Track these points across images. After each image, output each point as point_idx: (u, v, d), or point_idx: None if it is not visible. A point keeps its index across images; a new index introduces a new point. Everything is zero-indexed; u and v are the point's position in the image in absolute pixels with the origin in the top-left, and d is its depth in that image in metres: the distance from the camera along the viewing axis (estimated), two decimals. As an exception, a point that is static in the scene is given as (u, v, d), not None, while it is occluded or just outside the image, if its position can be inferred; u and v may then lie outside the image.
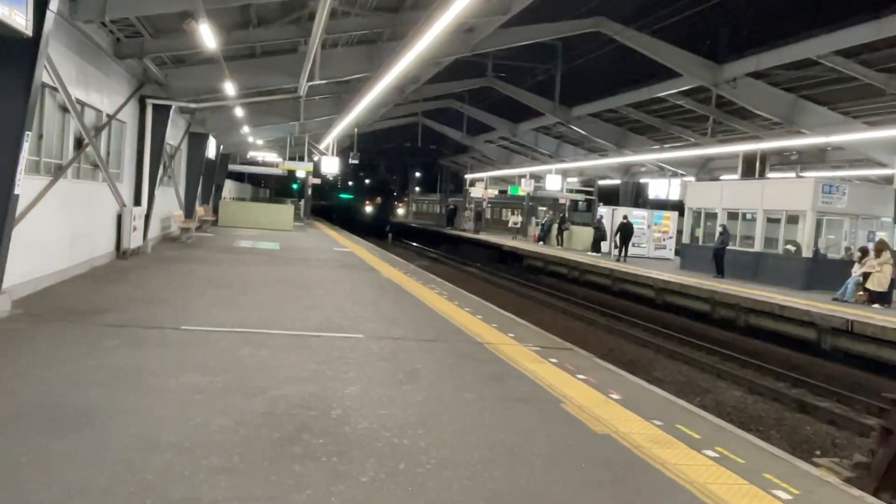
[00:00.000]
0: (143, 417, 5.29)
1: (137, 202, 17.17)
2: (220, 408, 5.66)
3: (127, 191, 16.66)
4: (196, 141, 26.63)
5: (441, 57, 19.57)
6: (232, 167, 43.85)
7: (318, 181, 46.98)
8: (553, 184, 41.92)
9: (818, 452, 9.49)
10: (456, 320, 11.19)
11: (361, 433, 5.34)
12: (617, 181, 40.56)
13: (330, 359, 7.74)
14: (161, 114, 17.63)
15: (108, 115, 14.50)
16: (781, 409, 11.63)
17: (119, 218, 15.83)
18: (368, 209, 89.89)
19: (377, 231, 55.61)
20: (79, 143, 12.91)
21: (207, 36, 11.37)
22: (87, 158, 13.75)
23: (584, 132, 33.68)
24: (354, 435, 5.29)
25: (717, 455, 5.57)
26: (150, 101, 17.19)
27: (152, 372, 6.56)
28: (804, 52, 17.20)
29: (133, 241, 16.25)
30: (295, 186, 74.99)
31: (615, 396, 7.17)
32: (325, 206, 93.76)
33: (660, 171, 36.00)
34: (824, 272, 19.83)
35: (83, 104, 12.93)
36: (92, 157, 13.90)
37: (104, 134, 14.60)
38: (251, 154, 42.65)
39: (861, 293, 17.24)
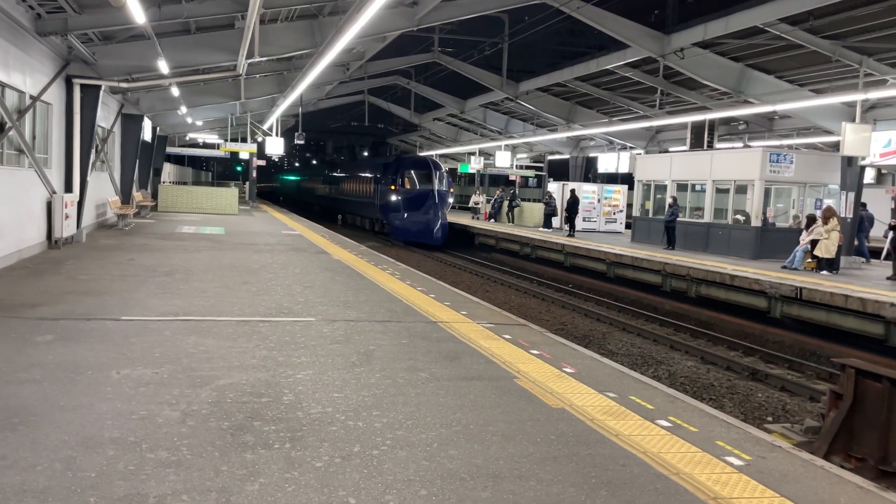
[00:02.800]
0: (82, 414, 5.14)
1: (69, 189, 16.66)
2: (166, 399, 5.55)
3: (56, 177, 16.14)
4: (130, 123, 25.93)
5: (385, 32, 19.36)
6: (171, 150, 42.97)
7: (262, 163, 46.25)
8: (503, 160, 42.11)
9: (770, 419, 9.77)
10: (409, 300, 11.18)
11: (315, 418, 5.30)
12: (567, 156, 40.82)
13: (280, 344, 7.66)
14: (90, 94, 17.07)
15: (31, 97, 13.99)
16: (734, 377, 11.92)
17: (49, 206, 15.34)
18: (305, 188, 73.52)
19: (328, 213, 52.78)
20: (0, 128, 12.43)
21: (136, 10, 10.99)
22: (11, 143, 13.27)
23: (532, 107, 33.74)
24: (308, 420, 5.25)
25: (671, 425, 5.69)
26: (77, 81, 16.63)
27: (92, 366, 6.40)
28: (750, 20, 17.42)
29: (66, 229, 15.78)
30: (239, 168, 73.71)
31: (569, 370, 7.26)
32: (273, 188, 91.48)
33: (609, 144, 36.31)
34: (773, 241, 20.34)
35: (3, 85, 12.47)
36: (16, 141, 13.41)
37: (28, 117, 14.09)
38: (191, 136, 41.79)
39: (809, 260, 17.73)
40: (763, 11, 16.89)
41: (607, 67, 24.63)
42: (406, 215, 32.38)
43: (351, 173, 45.49)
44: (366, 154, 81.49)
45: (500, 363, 7.40)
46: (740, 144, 28.56)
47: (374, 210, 36.86)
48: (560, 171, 43.71)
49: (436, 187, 32.14)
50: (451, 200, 35.46)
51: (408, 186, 32.69)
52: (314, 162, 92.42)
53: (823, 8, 15.92)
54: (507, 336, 8.85)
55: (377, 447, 4.78)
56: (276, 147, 36.58)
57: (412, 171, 32.96)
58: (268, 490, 4.00)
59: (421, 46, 31.64)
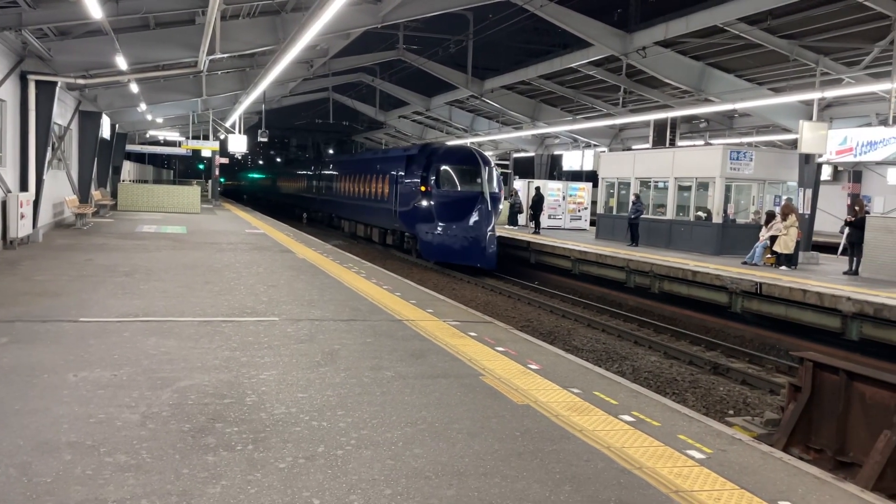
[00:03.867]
0: (38, 418, 5.02)
1: (24, 187, 16.30)
2: (126, 402, 5.45)
3: (11, 175, 15.78)
4: (88, 120, 25.44)
5: (349, 28, 19.23)
6: (130, 147, 42.33)
7: (225, 160, 45.72)
8: (468, 158, 42.05)
9: (731, 412, 9.92)
10: (374, 298, 11.13)
11: (278, 418, 5.25)
12: (532, 154, 41.03)
13: (244, 344, 7.57)
14: (46, 91, 16.71)
15: (-17, 95, 13.67)
16: (696, 371, 12.10)
17: (3, 205, 14.99)
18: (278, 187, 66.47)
19: (293, 211, 51.01)
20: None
21: (93, 4, 10.78)
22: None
23: (497, 105, 33.88)
24: (271, 421, 5.19)
25: (634, 419, 5.74)
26: (32, 78, 16.27)
27: (48, 369, 6.26)
28: (710, 19, 17.68)
29: (21, 229, 15.42)
30: (201, 166, 72.70)
31: (534, 367, 7.30)
32: (236, 186, 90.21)
33: (573, 142, 36.60)
34: (734, 237, 20.67)
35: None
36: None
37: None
38: (151, 133, 41.15)
39: (769, 256, 18.05)
40: (723, 11, 17.15)
41: (571, 66, 24.83)
42: (444, 227, 23.52)
43: (350, 170, 35.08)
44: (331, 152, 75.18)
45: (465, 360, 7.40)
46: (702, 142, 28.98)
47: (389, 218, 27.59)
48: (525, 168, 43.80)
49: (486, 189, 23.27)
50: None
51: (445, 187, 24.04)
52: (292, 157, 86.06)
53: (781, 8, 16.23)
54: (472, 333, 8.86)
55: (342, 447, 4.75)
56: (238, 144, 36.24)
57: (452, 167, 24.37)
58: (230, 492, 3.95)
59: (386, 44, 31.58)
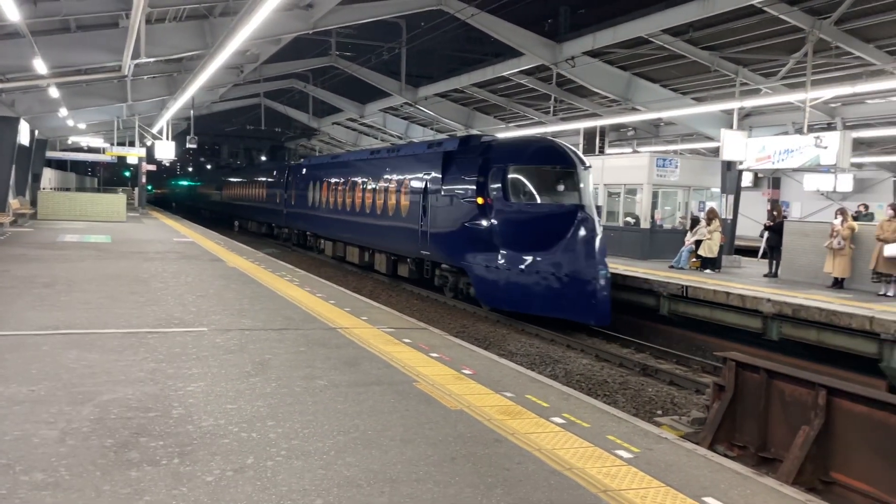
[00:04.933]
0: (-51, 435, 4.79)
1: (-63, 196, 15.56)
2: (44, 418, 5.23)
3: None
4: (5, 126, 24.39)
5: (280, 34, 19.03)
6: (51, 154, 40.81)
7: (153, 167, 44.57)
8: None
9: (660, 412, 10.14)
10: (308, 307, 11.01)
11: (206, 431, 5.12)
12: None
13: (170, 356, 7.37)
14: (-41, 96, 16.00)
15: None
16: (626, 373, 12.34)
17: (-85, 214, 14.28)
18: (215, 196, 59.20)
19: (226, 219, 49.19)
20: None
21: (8, 7, 10.38)
22: None
23: (432, 112, 33.98)
24: (198, 433, 5.06)
25: (565, 421, 5.82)
26: (-56, 83, 15.58)
27: (-40, 384, 5.97)
28: (636, 30, 18.13)
29: (-65, 240, 14.71)
30: (127, 174, 70.64)
31: (468, 372, 7.32)
32: (164, 193, 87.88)
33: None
34: (661, 242, 21.21)
35: None
36: None
37: None
38: (74, 140, 39.79)
39: (694, 260, 18.59)
40: (647, 22, 17.61)
41: (503, 74, 25.09)
42: (520, 260, 15.48)
43: (339, 175, 26.38)
44: (263, 159, 70.39)
45: (399, 367, 7.38)
46: (629, 150, 29.66)
47: (408, 241, 19.49)
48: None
49: (589, 202, 15.60)
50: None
51: (520, 199, 15.96)
52: (240, 162, 78.32)
53: (702, 20, 16.76)
54: (407, 340, 8.84)
55: (272, 458, 4.66)
56: (166, 151, 35.30)
57: (530, 169, 16.18)
58: (154, 508, 3.84)
59: (318, 50, 31.31)
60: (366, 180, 23.23)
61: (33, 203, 31.75)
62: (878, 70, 17.28)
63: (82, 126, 33.82)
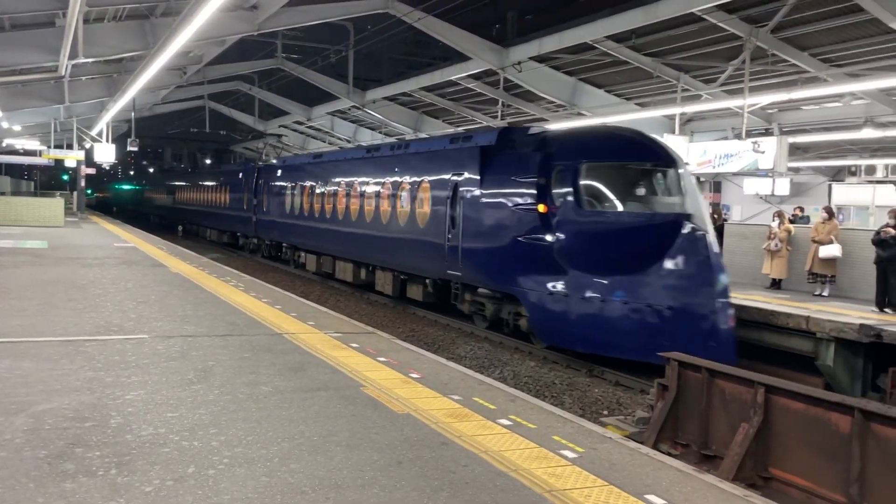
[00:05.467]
0: None
1: None
2: (-27, 430, 5.05)
3: None
4: (-64, 128, 23.60)
5: (224, 35, 18.76)
6: (-14, 158, 39.45)
7: (92, 171, 43.41)
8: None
9: (605, 412, 10.28)
10: (253, 312, 10.85)
11: (145, 440, 5.00)
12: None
13: (109, 364, 7.17)
14: None
15: None
16: (573, 374, 12.45)
17: None
18: (161, 200, 55.26)
19: (174, 225, 47.86)
20: None
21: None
22: None
23: (380, 116, 33.90)
24: (137, 443, 4.93)
25: (511, 423, 5.86)
26: None
27: None
28: (581, 36, 18.38)
29: None
30: (65, 177, 68.56)
31: (415, 376, 7.31)
32: (105, 198, 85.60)
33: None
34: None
35: None
36: None
37: None
38: (8, 142, 38.48)
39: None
40: (592, 28, 17.87)
41: (451, 78, 25.16)
42: (599, 286, 12.03)
43: (336, 175, 21.41)
44: (208, 162, 64.98)
45: (346, 372, 7.32)
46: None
47: (434, 258, 15.35)
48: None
49: (693, 209, 11.97)
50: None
51: (596, 206, 12.41)
52: (184, 165, 72.30)
53: (645, 27, 17.09)
54: (354, 345, 8.79)
55: (214, 466, 4.57)
56: (106, 154, 34.35)
57: (610, 169, 12.66)
58: (90, 520, 3.74)
59: (264, 52, 30.89)
60: (364, 182, 19.07)
61: (-34, 207, 30.66)
62: (812, 77, 17.85)
63: (17, 128, 32.80)
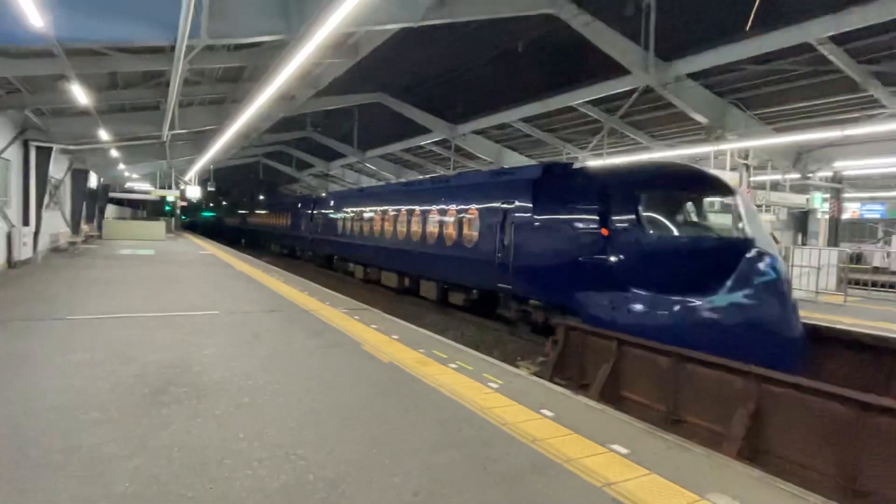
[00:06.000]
0: (28, 390, 4.43)
1: (26, 223, 14.33)
2: (100, 375, 4.91)
3: (14, 214, 13.83)
4: (79, 175, 22.79)
5: (273, 114, 18.50)
6: (112, 195, 38.20)
7: (184, 203, 42.25)
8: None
9: (519, 358, 10.34)
10: (290, 297, 10.69)
11: (216, 380, 4.92)
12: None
13: (193, 331, 7.02)
14: (43, 154, 14.80)
15: (-9, 155, 11.93)
16: (500, 335, 12.43)
17: (9, 236, 13.11)
18: (231, 222, 52.74)
19: (233, 239, 47.14)
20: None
21: (80, 94, 9.72)
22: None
23: (375, 167, 33.81)
24: (210, 382, 4.86)
25: (457, 367, 5.87)
26: (32, 144, 14.38)
27: (39, 354, 5.52)
28: (503, 118, 18.57)
29: (23, 253, 13.54)
30: (167, 207, 66.69)
31: (395, 337, 7.28)
32: (193, 221, 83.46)
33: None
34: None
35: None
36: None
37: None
38: (129, 185, 37.39)
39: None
40: (510, 114, 18.08)
41: (420, 143, 25.19)
42: (664, 305, 7.39)
43: (383, 203, 17.33)
44: (261, 198, 55.96)
45: (350, 335, 7.26)
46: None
47: (484, 273, 11.48)
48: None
49: (756, 235, 7.81)
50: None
51: (661, 231, 8.07)
52: (245, 198, 62.63)
53: (542, 114, 17.33)
54: (356, 317, 8.72)
55: (262, 397, 4.53)
56: (194, 193, 33.66)
57: (670, 194, 8.57)
58: (177, 433, 3.68)
59: (299, 125, 30.53)
60: (410, 209, 15.27)
61: (99, 228, 29.64)
62: (645, 147, 18.26)
63: (135, 175, 31.84)
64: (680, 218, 8.68)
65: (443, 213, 13.70)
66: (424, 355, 6.31)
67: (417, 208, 15.03)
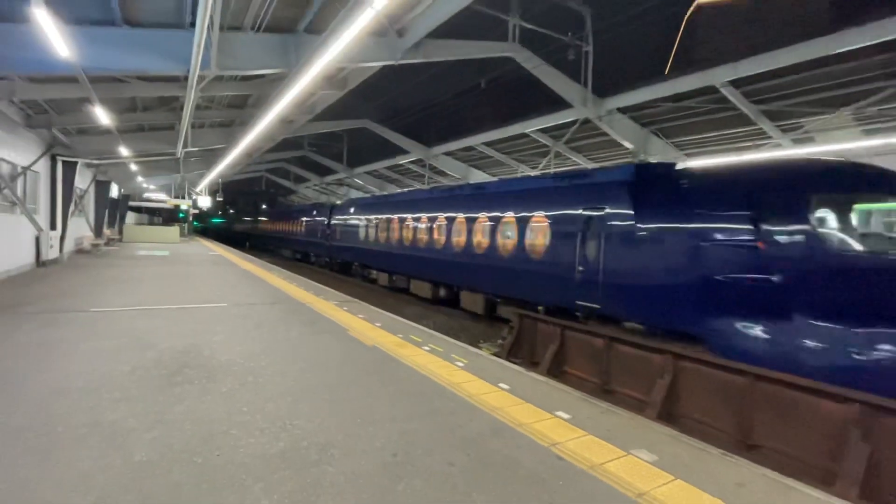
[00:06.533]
0: (55, 373, 4.24)
1: (53, 227, 13.65)
2: (121, 360, 4.73)
3: (43, 220, 13.16)
4: (101, 186, 21.80)
5: (274, 136, 18.12)
6: (132, 203, 36.77)
7: (196, 211, 41.01)
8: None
9: (482, 341, 10.39)
10: (288, 292, 10.49)
11: (223, 363, 4.81)
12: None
13: (204, 320, 6.81)
14: (69, 167, 14.13)
15: (22, 168, 11.31)
16: (465, 323, 12.45)
17: (37, 239, 12.48)
18: (238, 227, 51.08)
19: (238, 242, 46.09)
20: (-4, 188, 9.90)
21: (102, 116, 9.33)
22: (6, 198, 10.64)
23: (361, 182, 33.46)
24: (218, 364, 4.74)
25: (430, 349, 5.85)
26: (59, 158, 13.69)
27: (64, 341, 5.29)
28: (469, 142, 18.56)
29: (51, 254, 12.90)
30: (181, 215, 64.51)
31: (378, 324, 7.22)
32: (205, 227, 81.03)
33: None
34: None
35: (1, 160, 9.95)
36: (10, 197, 10.78)
37: (21, 180, 11.38)
38: (147, 195, 36.07)
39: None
40: (475, 139, 18.07)
41: (399, 162, 25.05)
42: (858, 339, 4.12)
43: (414, 210, 13.60)
44: (264, 207, 52.48)
45: (339, 323, 7.16)
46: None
47: (555, 287, 8.11)
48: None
49: None
50: None
51: (850, 242, 4.56)
52: (231, 211, 60.24)
53: (500, 139, 17.42)
54: (345, 308, 8.60)
55: (263, 376, 4.45)
56: (205, 202, 32.70)
57: (851, 190, 4.74)
58: (189, 408, 3.58)
59: (297, 145, 30.03)
60: (450, 216, 11.83)
61: (120, 232, 28.46)
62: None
63: (152, 187, 30.76)
64: (867, 228, 5.56)
65: (495, 220, 10.33)
66: (403, 339, 6.28)
67: (461, 215, 11.47)
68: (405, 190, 27.59)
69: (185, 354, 5.04)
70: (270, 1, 7.24)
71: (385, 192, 23.84)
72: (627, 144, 14.06)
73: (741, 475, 3.15)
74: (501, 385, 4.54)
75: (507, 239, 9.82)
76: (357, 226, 18.20)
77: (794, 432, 4.61)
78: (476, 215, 10.84)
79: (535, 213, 9.15)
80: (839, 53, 8.12)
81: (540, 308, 9.14)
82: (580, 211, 8.03)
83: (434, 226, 12.53)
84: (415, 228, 13.57)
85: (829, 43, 8.06)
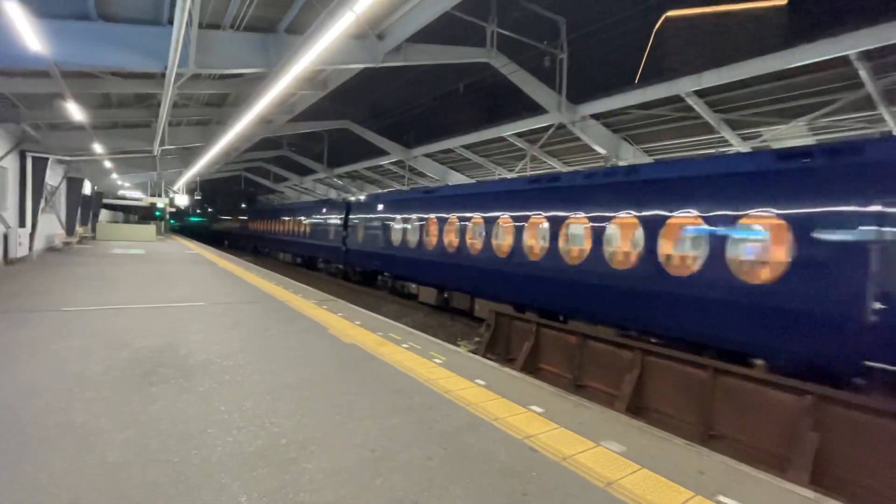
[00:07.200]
0: (24, 374, 4.04)
1: (23, 224, 13.02)
2: (94, 359, 4.55)
3: (12, 217, 12.54)
4: (74, 183, 20.90)
5: (253, 136, 17.75)
6: (106, 201, 35.37)
7: (173, 209, 39.70)
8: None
9: (460, 338, 10.43)
10: (267, 290, 10.28)
11: (201, 362, 4.68)
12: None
13: (180, 319, 6.62)
14: (39, 163, 13.49)
15: (-12, 163, 10.76)
16: (444, 321, 12.51)
17: (5, 236, 11.87)
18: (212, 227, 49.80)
19: (217, 240, 44.81)
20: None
21: (75, 112, 8.94)
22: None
23: (341, 182, 33.09)
24: (196, 364, 4.62)
25: (409, 346, 5.83)
26: (29, 154, 13.08)
27: (34, 341, 5.05)
28: (449, 144, 18.61)
29: (20, 252, 12.30)
30: (157, 213, 62.34)
31: (358, 322, 7.15)
32: (182, 225, 78.55)
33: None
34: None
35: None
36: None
37: (-14, 176, 10.82)
38: (121, 192, 34.72)
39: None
40: (453, 141, 18.13)
41: (380, 163, 24.88)
42: None
43: (471, 208, 9.84)
44: (243, 206, 49.99)
45: (319, 321, 7.07)
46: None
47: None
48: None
49: None
50: None
51: None
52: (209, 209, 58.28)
53: (479, 142, 17.51)
54: (325, 306, 8.50)
55: (241, 375, 4.35)
56: (182, 200, 31.67)
57: None
58: (165, 408, 3.48)
59: (276, 144, 29.47)
60: (553, 215, 8.32)
61: (93, 230, 27.34)
62: (560, 172, 18.69)
63: (128, 184, 29.61)
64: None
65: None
66: (382, 337, 6.24)
67: (582, 215, 7.74)
68: (473, 182, 20.01)
69: (161, 354, 4.88)
70: (251, 0, 7.09)
71: (435, 186, 16.60)
72: (600, 149, 14.33)
73: (702, 463, 3.26)
74: (478, 381, 4.57)
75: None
76: (390, 227, 14.13)
77: (752, 422, 4.80)
78: (612, 214, 7.19)
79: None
80: (796, 67, 8.49)
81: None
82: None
83: (526, 227, 8.67)
84: (489, 232, 9.63)
85: (785, 57, 8.41)
